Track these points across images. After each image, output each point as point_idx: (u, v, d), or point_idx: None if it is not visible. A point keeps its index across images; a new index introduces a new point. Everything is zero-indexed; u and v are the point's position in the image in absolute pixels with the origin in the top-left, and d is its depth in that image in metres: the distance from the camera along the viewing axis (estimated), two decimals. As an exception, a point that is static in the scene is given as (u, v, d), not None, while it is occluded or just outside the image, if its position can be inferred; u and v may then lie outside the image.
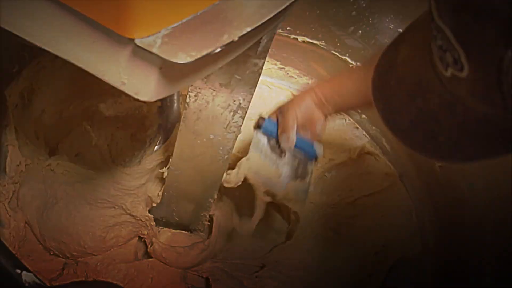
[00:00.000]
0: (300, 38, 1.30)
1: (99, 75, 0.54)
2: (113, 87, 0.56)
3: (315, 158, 0.99)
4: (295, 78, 1.40)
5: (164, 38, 0.49)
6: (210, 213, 1.10)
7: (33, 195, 1.00)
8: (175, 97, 1.04)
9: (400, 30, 1.19)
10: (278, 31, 1.30)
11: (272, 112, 0.98)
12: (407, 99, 0.50)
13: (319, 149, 0.97)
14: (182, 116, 0.85)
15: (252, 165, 0.94)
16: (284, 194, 0.97)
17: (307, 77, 1.39)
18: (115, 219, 1.00)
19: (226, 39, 0.50)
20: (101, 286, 0.73)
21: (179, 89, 0.55)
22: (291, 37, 1.31)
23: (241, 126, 0.86)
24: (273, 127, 0.95)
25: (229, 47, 0.57)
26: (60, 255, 1.00)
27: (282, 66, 1.39)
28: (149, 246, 1.05)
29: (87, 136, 1.06)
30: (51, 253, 1.00)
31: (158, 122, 1.06)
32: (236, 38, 0.50)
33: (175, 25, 0.50)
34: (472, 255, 0.99)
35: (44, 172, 1.02)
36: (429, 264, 1.12)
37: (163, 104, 1.05)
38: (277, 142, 0.96)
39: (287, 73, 1.40)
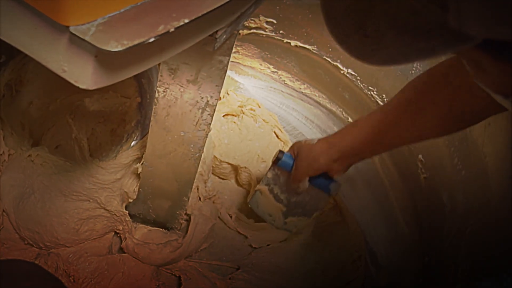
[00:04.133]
0: (292, 43, 1.30)
1: (43, 62, 0.54)
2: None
3: (329, 195, 1.02)
4: (287, 82, 1.39)
5: (99, 27, 0.49)
6: (189, 212, 1.10)
7: (12, 185, 1.02)
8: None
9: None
10: (271, 34, 1.31)
11: (290, 148, 1.01)
12: None
13: (335, 188, 1.00)
14: (153, 112, 0.85)
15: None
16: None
17: (299, 82, 1.38)
18: (89, 212, 1.01)
19: (161, 30, 0.50)
20: (13, 264, 0.73)
21: (120, 79, 0.55)
22: (284, 41, 1.31)
23: (210, 124, 0.86)
24: (290, 161, 0.99)
25: (172, 39, 0.57)
26: (34, 245, 1.01)
27: (275, 70, 1.39)
28: (123, 241, 1.05)
29: (69, 129, 1.07)
30: (26, 242, 1.01)
31: (136, 118, 1.06)
32: (172, 29, 0.50)
33: (112, 14, 0.51)
34: (448, 261, 0.98)
35: (24, 163, 1.03)
36: (408, 270, 1.10)
37: (143, 100, 1.06)
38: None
39: (280, 77, 1.40)
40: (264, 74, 1.41)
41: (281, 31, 1.29)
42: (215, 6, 0.53)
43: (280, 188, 1.04)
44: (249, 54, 1.37)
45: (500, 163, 0.90)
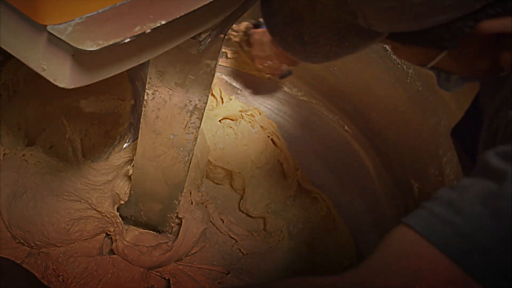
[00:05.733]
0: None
1: (24, 61, 0.55)
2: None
3: None
4: (285, 89, 1.39)
5: (76, 26, 0.50)
6: (180, 216, 1.10)
7: (5, 183, 1.03)
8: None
9: (385, 46, 1.18)
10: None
11: None
12: (282, 2, 0.57)
13: None
14: (142, 114, 0.86)
15: None
16: None
17: (296, 89, 1.38)
18: (80, 213, 1.01)
19: (137, 31, 0.50)
20: None
21: (98, 79, 0.55)
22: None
23: (199, 127, 0.87)
24: None
25: (151, 40, 0.58)
26: (25, 244, 1.01)
27: (273, 75, 1.39)
28: (113, 243, 1.05)
29: (63, 129, 1.08)
30: (17, 241, 1.02)
31: (129, 120, 1.07)
32: (149, 30, 0.51)
33: (90, 14, 0.51)
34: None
35: (18, 162, 1.04)
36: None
37: (136, 103, 1.07)
38: None
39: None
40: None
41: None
42: (194, 8, 0.54)
43: None
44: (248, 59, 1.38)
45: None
